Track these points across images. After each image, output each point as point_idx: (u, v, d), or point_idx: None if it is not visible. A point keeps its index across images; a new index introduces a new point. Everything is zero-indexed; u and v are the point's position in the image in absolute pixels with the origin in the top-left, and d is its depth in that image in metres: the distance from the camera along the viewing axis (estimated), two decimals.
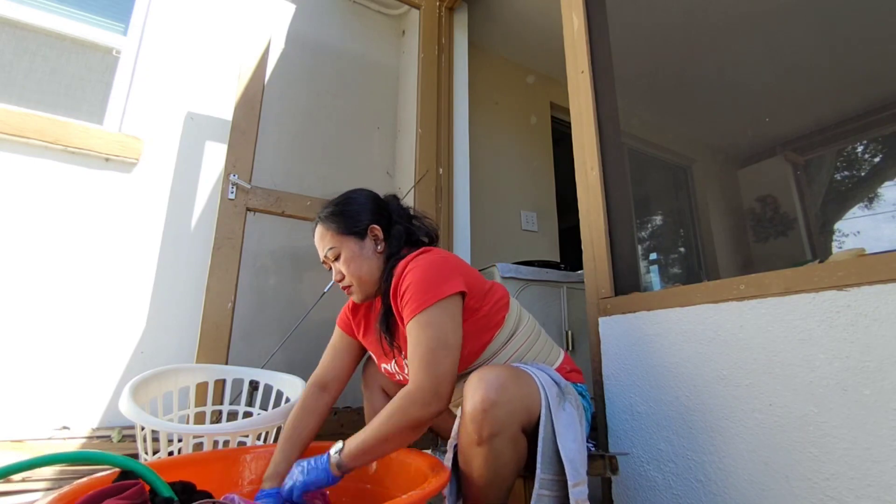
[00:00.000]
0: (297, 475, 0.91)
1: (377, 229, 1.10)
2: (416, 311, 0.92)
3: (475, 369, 1.00)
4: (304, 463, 0.92)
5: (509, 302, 1.10)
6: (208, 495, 0.84)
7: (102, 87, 1.85)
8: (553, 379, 0.96)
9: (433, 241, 1.18)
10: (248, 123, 1.83)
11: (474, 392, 0.86)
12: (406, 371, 1.07)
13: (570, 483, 0.85)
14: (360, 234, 1.09)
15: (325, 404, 1.13)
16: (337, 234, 1.08)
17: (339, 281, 1.10)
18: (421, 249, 1.04)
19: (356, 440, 0.88)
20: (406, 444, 0.91)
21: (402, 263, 1.01)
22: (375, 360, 1.19)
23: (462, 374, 1.02)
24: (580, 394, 1.07)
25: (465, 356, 1.00)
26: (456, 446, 0.92)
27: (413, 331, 0.92)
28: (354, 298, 1.11)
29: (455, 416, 1.05)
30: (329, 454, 0.90)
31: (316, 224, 1.13)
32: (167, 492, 0.74)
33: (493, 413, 0.84)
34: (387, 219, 1.14)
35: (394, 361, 1.11)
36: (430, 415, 0.87)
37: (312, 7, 2.36)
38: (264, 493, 0.96)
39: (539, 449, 0.87)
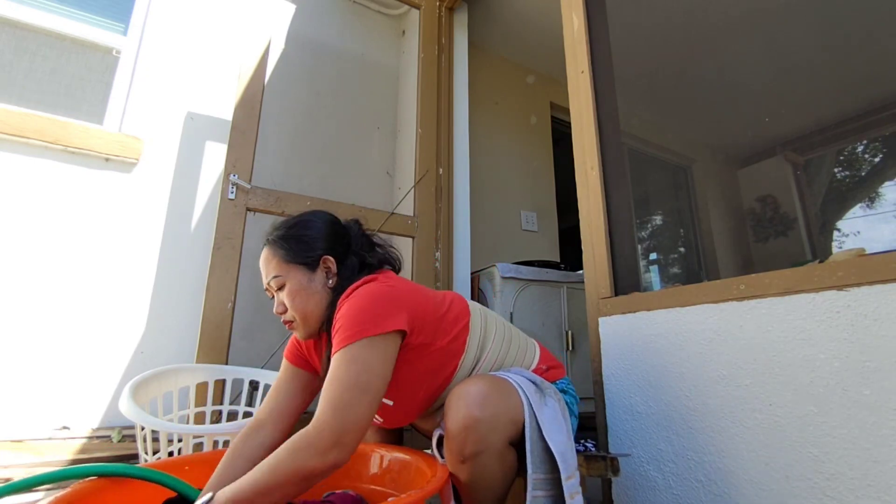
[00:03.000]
0: None
1: (330, 261, 0.98)
2: (343, 344, 0.82)
3: (443, 402, 0.94)
4: None
5: (469, 322, 1.00)
6: None
7: (102, 87, 1.85)
8: (528, 378, 0.94)
9: (394, 270, 1.06)
10: (248, 123, 1.83)
11: (456, 409, 0.82)
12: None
13: (563, 477, 0.83)
14: (311, 265, 0.97)
15: (258, 446, 0.95)
16: (284, 261, 0.96)
17: (281, 314, 0.98)
18: (367, 277, 0.95)
19: (230, 490, 0.73)
20: (293, 499, 0.76)
21: (344, 295, 0.91)
22: None
23: (430, 411, 0.99)
24: (563, 390, 1.06)
25: (429, 394, 0.94)
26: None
27: (334, 364, 0.81)
28: (297, 335, 1.00)
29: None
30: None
31: (263, 246, 1.00)
32: (195, 494, 0.74)
33: (477, 431, 0.81)
34: (344, 248, 1.02)
35: None
36: (327, 466, 0.74)
37: (312, 7, 2.36)
38: None
39: (528, 449, 0.85)
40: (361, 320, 0.83)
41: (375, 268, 1.03)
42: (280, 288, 0.97)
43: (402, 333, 0.88)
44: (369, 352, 0.82)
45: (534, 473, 0.85)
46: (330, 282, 0.98)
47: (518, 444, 0.88)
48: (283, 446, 0.76)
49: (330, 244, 1.00)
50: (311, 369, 1.06)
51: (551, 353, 1.14)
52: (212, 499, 0.72)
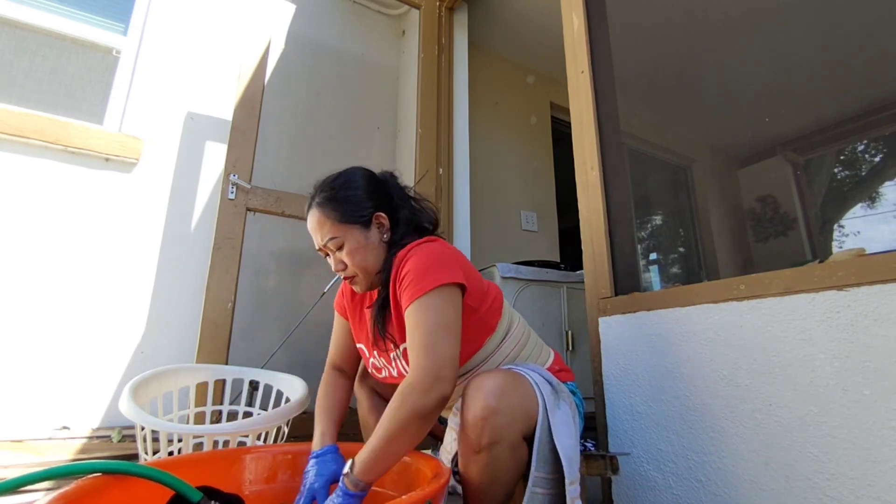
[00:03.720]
0: None
1: (383, 217, 1.03)
2: (417, 295, 0.88)
3: (466, 374, 1.00)
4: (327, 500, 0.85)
5: (502, 305, 1.07)
6: (239, 499, 0.84)
7: (102, 87, 1.85)
8: (546, 378, 0.95)
9: (435, 227, 1.12)
10: (248, 123, 1.83)
11: (474, 400, 0.84)
12: (393, 367, 1.03)
13: (567, 481, 0.84)
14: (366, 223, 1.00)
15: (345, 383, 1.13)
16: (339, 222, 0.99)
17: (341, 271, 1.02)
18: (425, 238, 1.00)
19: (364, 451, 0.82)
20: (419, 439, 0.84)
21: (403, 251, 0.96)
22: (364, 353, 1.12)
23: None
24: (571, 391, 1.07)
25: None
26: (455, 455, 0.92)
27: (412, 314, 0.88)
28: (357, 289, 1.04)
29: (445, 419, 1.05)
30: (342, 479, 0.83)
31: (310, 208, 1.02)
32: (196, 496, 0.74)
33: (494, 421, 0.83)
34: (389, 202, 1.06)
35: (381, 357, 1.05)
36: (434, 401, 0.81)
37: (312, 7, 2.36)
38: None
39: (535, 447, 0.86)
40: (427, 272, 0.89)
41: (426, 229, 1.09)
42: (339, 248, 0.99)
43: (463, 289, 0.94)
44: (441, 299, 0.88)
45: (536, 471, 0.85)
46: (385, 236, 1.03)
47: (530, 440, 0.89)
48: (393, 399, 0.82)
49: (377, 201, 1.04)
50: (348, 319, 1.14)
51: (561, 358, 1.16)
52: (353, 465, 0.81)
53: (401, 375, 1.01)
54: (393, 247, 1.01)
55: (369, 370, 1.12)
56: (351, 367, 1.16)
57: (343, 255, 0.99)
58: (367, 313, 1.04)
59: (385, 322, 1.00)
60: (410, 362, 0.85)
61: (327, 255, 1.03)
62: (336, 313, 1.17)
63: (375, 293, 1.04)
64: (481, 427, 0.83)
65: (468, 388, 0.88)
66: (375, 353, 1.05)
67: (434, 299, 0.88)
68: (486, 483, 0.87)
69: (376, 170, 1.12)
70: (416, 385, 0.81)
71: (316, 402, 1.09)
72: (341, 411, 1.08)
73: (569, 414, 0.93)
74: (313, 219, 1.01)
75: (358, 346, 1.13)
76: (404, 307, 0.90)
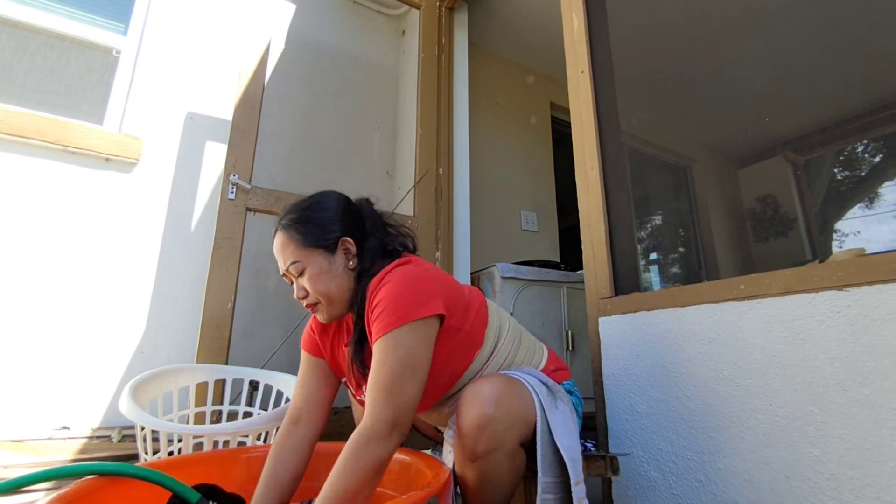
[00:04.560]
0: None
1: (349, 242, 0.97)
2: (386, 330, 0.82)
3: (456, 392, 0.96)
4: None
5: (488, 314, 1.01)
6: (240, 499, 0.84)
7: (102, 87, 1.85)
8: (541, 380, 0.94)
9: (410, 252, 1.05)
10: (248, 123, 1.83)
11: (469, 408, 0.82)
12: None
13: (572, 482, 0.83)
14: (330, 248, 0.96)
15: (300, 439, 0.98)
16: (302, 246, 0.95)
17: (303, 298, 0.96)
18: (398, 260, 0.95)
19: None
20: (373, 492, 0.79)
21: (376, 279, 0.91)
22: (350, 389, 1.07)
23: (440, 401, 0.98)
24: (568, 391, 1.06)
25: (445, 381, 0.94)
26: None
27: (380, 349, 0.82)
28: (320, 318, 0.99)
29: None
30: None
31: (276, 231, 0.98)
32: (194, 497, 0.74)
33: (491, 429, 0.81)
34: (360, 228, 1.01)
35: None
36: (391, 451, 0.78)
37: (312, 7, 2.36)
38: None
39: (539, 452, 0.85)
40: (402, 305, 0.84)
41: (397, 251, 1.01)
42: (300, 273, 0.95)
43: (441, 317, 0.89)
44: (412, 336, 0.83)
45: (544, 476, 0.84)
46: (350, 263, 0.97)
47: (528, 444, 0.88)
48: (345, 449, 0.77)
49: (345, 225, 0.99)
50: (324, 357, 1.06)
51: (557, 355, 1.14)
52: None
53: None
54: (363, 276, 0.96)
55: (360, 398, 1.04)
56: (312, 416, 1.01)
57: (304, 281, 0.94)
58: (346, 351, 0.99)
59: (364, 359, 0.94)
60: (368, 404, 0.80)
61: (292, 281, 0.98)
62: (304, 354, 1.07)
63: (350, 329, 1.00)
64: (477, 435, 0.81)
65: (464, 396, 0.86)
66: (360, 392, 1.00)
67: (404, 336, 0.82)
68: (484, 489, 0.86)
69: (356, 193, 1.08)
70: (372, 434, 0.77)
71: (263, 469, 0.96)
72: (289, 482, 0.94)
73: (567, 413, 0.92)
74: (277, 241, 0.98)
75: (342, 380, 1.07)
76: (373, 340, 0.85)
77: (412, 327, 0.83)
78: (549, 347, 1.14)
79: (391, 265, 0.93)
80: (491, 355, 0.98)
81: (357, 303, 0.94)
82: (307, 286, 0.94)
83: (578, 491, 0.84)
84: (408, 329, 0.83)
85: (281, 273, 0.99)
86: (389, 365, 0.80)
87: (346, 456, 0.77)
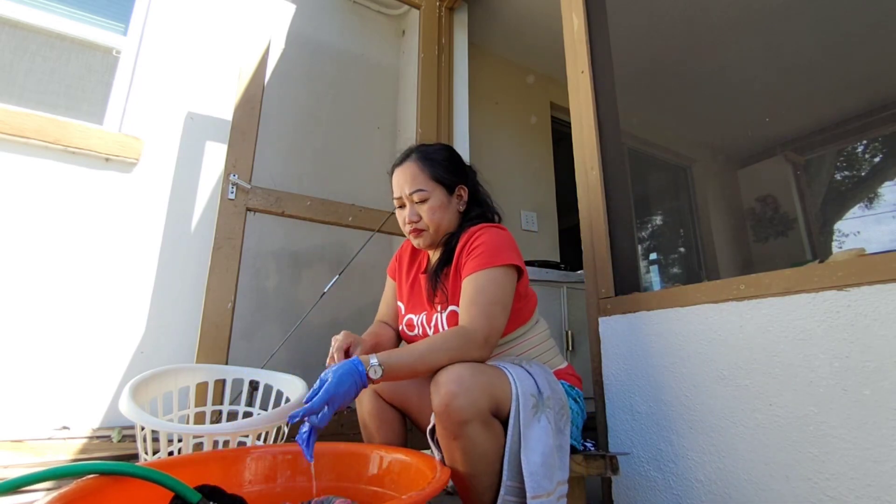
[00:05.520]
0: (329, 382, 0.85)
1: (464, 190, 1.16)
2: (487, 265, 0.98)
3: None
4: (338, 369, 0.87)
5: (536, 307, 1.16)
6: (241, 500, 0.84)
7: (102, 87, 1.85)
8: (537, 385, 0.93)
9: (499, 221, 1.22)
10: (248, 123, 1.83)
11: (436, 391, 0.87)
12: (431, 326, 1.09)
13: (528, 495, 0.84)
14: (450, 189, 1.13)
15: (390, 335, 1.18)
16: (431, 178, 1.11)
17: (413, 223, 1.10)
18: (494, 223, 1.11)
19: (397, 356, 0.89)
20: (437, 367, 0.90)
21: (475, 227, 1.07)
22: (401, 309, 1.20)
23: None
24: (574, 399, 1.06)
25: None
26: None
27: (479, 280, 0.97)
28: (419, 243, 1.13)
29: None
30: (368, 360, 0.87)
31: (405, 160, 1.14)
32: (195, 497, 0.74)
33: (457, 403, 0.84)
34: (470, 182, 1.19)
35: (424, 314, 1.12)
36: (475, 356, 0.91)
37: (312, 7, 2.36)
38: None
39: (505, 457, 0.87)
40: (501, 250, 1.01)
41: (492, 218, 1.19)
42: (421, 201, 1.10)
43: (520, 274, 1.05)
44: (505, 277, 0.99)
45: (508, 480, 0.87)
46: (460, 207, 1.15)
47: (504, 422, 0.91)
48: (445, 336, 0.92)
49: (462, 176, 1.17)
50: (397, 281, 1.24)
51: (574, 370, 1.18)
52: (379, 363, 0.87)
53: (425, 333, 1.10)
54: (464, 221, 1.13)
55: (400, 327, 1.19)
56: (396, 321, 1.22)
57: (423, 209, 1.10)
58: (422, 278, 1.14)
59: (443, 280, 1.08)
60: (468, 319, 0.94)
61: (402, 206, 1.13)
62: (388, 278, 1.28)
63: (426, 261, 1.18)
64: (447, 411, 0.85)
65: (432, 385, 0.89)
66: (417, 310, 1.14)
67: (500, 274, 0.98)
68: (471, 468, 0.88)
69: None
70: (470, 336, 0.92)
71: (366, 335, 1.13)
72: (385, 342, 1.14)
73: (547, 430, 0.90)
74: (407, 170, 1.12)
75: (398, 303, 1.21)
76: (471, 272, 0.99)
77: (505, 270, 1.00)
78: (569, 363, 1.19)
79: (487, 224, 1.09)
80: (526, 334, 1.09)
81: (451, 240, 1.10)
82: (423, 214, 1.10)
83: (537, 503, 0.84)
84: (502, 271, 0.99)
85: (396, 196, 1.14)
86: (488, 294, 0.96)
87: (445, 341, 0.91)
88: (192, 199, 1.89)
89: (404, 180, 1.11)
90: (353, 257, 1.92)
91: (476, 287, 0.97)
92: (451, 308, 1.05)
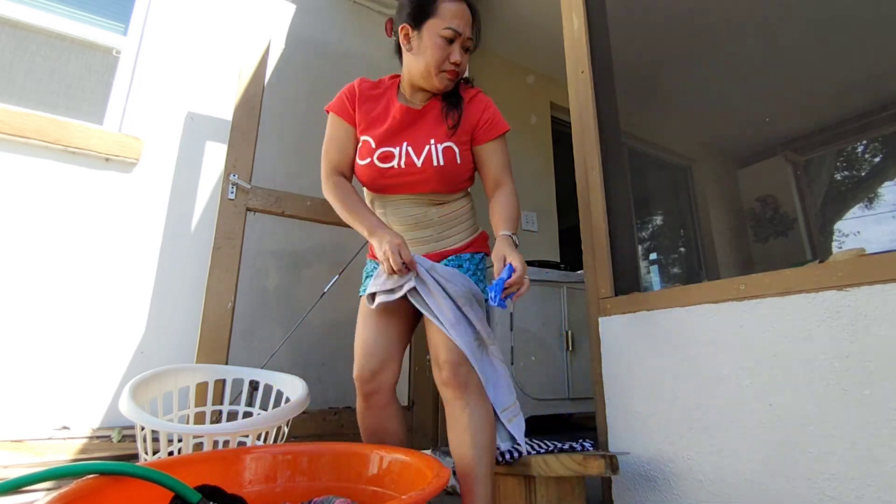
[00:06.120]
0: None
1: None
2: (503, 131, 1.19)
3: (438, 205, 1.20)
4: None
5: None
6: (241, 500, 0.84)
7: (102, 87, 1.85)
8: (476, 331, 1.10)
9: None
10: (248, 123, 1.83)
11: (439, 368, 1.05)
12: (419, 157, 1.13)
13: (497, 410, 1.11)
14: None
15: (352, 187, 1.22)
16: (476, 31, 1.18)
17: (456, 66, 1.13)
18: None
19: (505, 220, 1.10)
20: None
21: (472, 88, 1.25)
22: (370, 144, 1.18)
23: (429, 198, 1.18)
24: (482, 270, 1.25)
25: (454, 181, 1.17)
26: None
27: (503, 143, 1.20)
28: (448, 84, 1.16)
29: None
30: (512, 238, 1.07)
31: (469, 2, 1.16)
32: (195, 497, 0.74)
33: (461, 370, 1.03)
34: None
35: (405, 145, 1.14)
36: None
37: (312, 7, 2.36)
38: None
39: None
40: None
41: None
42: (467, 49, 1.16)
43: None
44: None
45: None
46: None
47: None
48: (510, 198, 1.15)
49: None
50: (354, 123, 1.22)
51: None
52: (508, 232, 1.07)
53: (409, 167, 1.13)
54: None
55: (363, 162, 1.17)
56: (351, 171, 1.23)
57: (465, 58, 1.16)
58: (402, 112, 1.16)
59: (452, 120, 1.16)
60: (505, 177, 1.18)
61: (451, 41, 1.12)
62: (336, 118, 1.23)
63: (394, 98, 1.20)
64: (453, 376, 1.01)
65: (434, 351, 1.07)
66: (404, 143, 1.15)
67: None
68: (483, 427, 1.02)
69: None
70: (514, 190, 1.17)
71: (340, 204, 1.16)
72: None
73: (492, 366, 1.14)
74: (470, 14, 1.15)
75: (363, 138, 1.19)
76: (497, 134, 1.18)
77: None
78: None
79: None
80: (465, 196, 1.25)
81: (454, 90, 1.20)
82: (463, 62, 1.15)
83: (504, 415, 1.13)
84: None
85: (457, 33, 1.12)
86: (508, 156, 1.21)
87: (512, 194, 1.16)
88: (192, 199, 1.89)
89: (468, 22, 1.13)
90: (353, 257, 1.92)
91: (504, 155, 1.19)
92: (447, 144, 1.13)
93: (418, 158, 1.12)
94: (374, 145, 1.16)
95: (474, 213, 1.28)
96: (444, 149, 1.13)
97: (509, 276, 0.96)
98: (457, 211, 1.22)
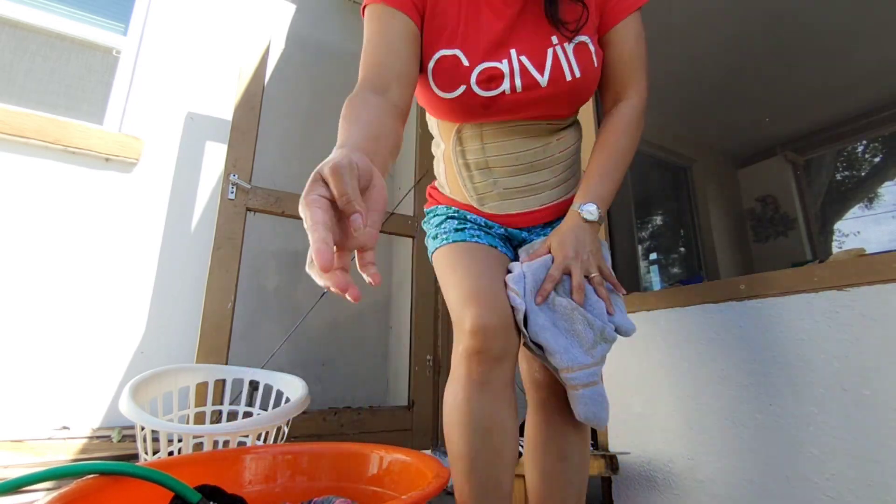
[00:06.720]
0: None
1: None
2: (639, 5, 0.83)
3: (561, 129, 0.88)
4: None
5: None
6: (241, 500, 0.84)
7: (102, 87, 1.85)
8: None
9: None
10: (248, 123, 1.83)
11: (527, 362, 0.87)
12: (547, 68, 0.76)
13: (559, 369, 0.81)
14: None
15: (391, 110, 0.72)
16: None
17: None
18: None
19: (602, 185, 0.77)
20: None
21: None
22: (462, 60, 0.78)
23: (554, 125, 0.86)
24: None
25: (583, 95, 0.82)
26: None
27: (639, 26, 0.83)
28: None
29: None
30: (581, 213, 0.75)
31: None
32: (195, 497, 0.74)
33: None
34: None
35: (523, 57, 0.76)
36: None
37: (312, 7, 2.36)
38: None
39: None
40: None
41: None
42: None
43: None
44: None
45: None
46: None
47: None
48: (626, 122, 0.81)
49: None
50: (417, 20, 0.79)
51: None
52: (587, 202, 0.77)
53: (529, 88, 0.76)
54: None
55: (452, 94, 0.78)
56: (401, 91, 0.74)
57: None
58: (516, 7, 0.77)
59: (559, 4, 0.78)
60: (637, 79, 0.83)
61: None
62: (387, 10, 0.81)
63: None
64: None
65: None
66: (512, 52, 0.77)
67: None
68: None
69: None
70: (643, 110, 0.82)
71: (340, 123, 0.69)
72: (385, 143, 0.67)
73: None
74: None
75: (441, 53, 0.78)
76: (636, 6, 0.83)
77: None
78: None
79: None
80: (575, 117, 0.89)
81: None
82: None
83: (572, 378, 0.75)
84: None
85: None
86: (644, 46, 0.83)
87: (631, 124, 0.81)
88: (192, 199, 1.89)
89: None
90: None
91: (641, 35, 0.80)
92: (580, 39, 0.77)
93: (541, 73, 0.76)
94: (466, 62, 0.76)
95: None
96: (577, 48, 0.77)
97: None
98: (577, 143, 0.88)
